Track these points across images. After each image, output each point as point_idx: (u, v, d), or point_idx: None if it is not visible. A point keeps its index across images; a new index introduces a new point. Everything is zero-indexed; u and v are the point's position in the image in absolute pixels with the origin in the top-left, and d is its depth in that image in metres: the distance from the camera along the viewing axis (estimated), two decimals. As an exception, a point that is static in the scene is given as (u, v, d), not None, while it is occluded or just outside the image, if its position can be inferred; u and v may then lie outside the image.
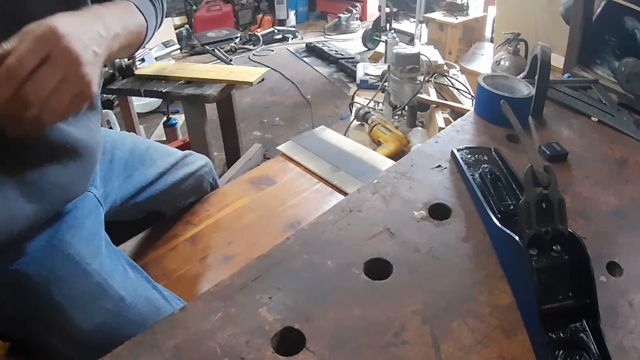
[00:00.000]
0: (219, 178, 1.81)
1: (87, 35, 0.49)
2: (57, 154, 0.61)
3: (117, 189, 0.83)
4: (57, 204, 0.65)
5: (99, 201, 0.76)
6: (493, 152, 0.66)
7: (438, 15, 3.32)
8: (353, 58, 3.69)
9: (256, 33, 4.22)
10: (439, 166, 0.68)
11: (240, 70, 1.84)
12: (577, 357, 0.42)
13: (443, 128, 1.37)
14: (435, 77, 1.97)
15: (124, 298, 0.65)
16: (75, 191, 0.68)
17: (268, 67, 2.52)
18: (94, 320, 0.63)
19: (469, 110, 1.35)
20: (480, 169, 0.63)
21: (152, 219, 0.95)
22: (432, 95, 1.79)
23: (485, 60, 2.79)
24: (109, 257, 0.69)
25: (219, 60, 3.57)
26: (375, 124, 1.68)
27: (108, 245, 0.72)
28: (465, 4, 3.30)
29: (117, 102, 2.69)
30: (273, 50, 4.10)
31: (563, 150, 0.70)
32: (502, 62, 2.07)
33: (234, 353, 0.43)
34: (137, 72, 1.78)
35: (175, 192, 0.94)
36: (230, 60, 3.60)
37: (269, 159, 2.13)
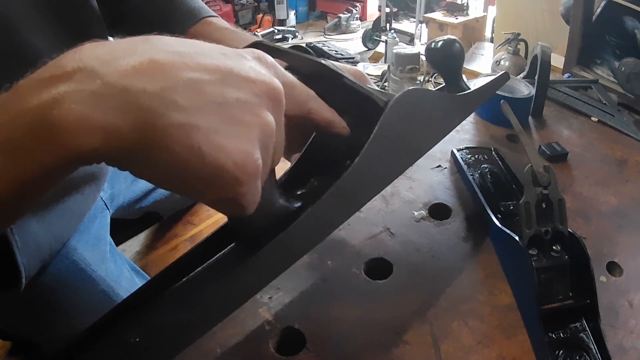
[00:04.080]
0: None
1: None
2: (77, 186, 0.61)
3: (125, 191, 0.82)
4: (75, 227, 0.65)
5: (105, 204, 0.75)
6: (493, 152, 0.67)
7: (438, 15, 3.32)
8: (353, 58, 3.69)
9: (256, 33, 4.22)
10: (439, 166, 0.68)
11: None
12: (577, 357, 0.42)
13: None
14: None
15: None
16: (88, 209, 0.67)
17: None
18: None
19: (469, 110, 1.35)
20: (480, 169, 0.63)
21: (150, 219, 0.95)
22: (432, 95, 1.80)
23: (485, 60, 2.79)
24: (113, 261, 0.69)
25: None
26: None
27: (112, 249, 0.72)
28: (465, 4, 3.31)
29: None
30: (273, 50, 4.10)
31: (563, 150, 0.70)
32: (502, 62, 2.07)
33: (234, 353, 0.43)
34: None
35: (176, 196, 0.94)
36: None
37: (269, 159, 2.13)
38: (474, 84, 0.57)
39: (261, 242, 0.34)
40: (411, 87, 0.42)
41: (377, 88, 0.45)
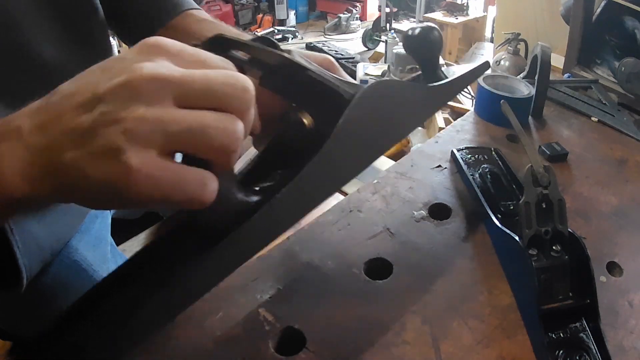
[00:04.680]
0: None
1: None
2: None
3: None
4: (76, 227, 0.65)
5: None
6: (493, 152, 0.67)
7: (438, 15, 3.32)
8: (353, 58, 3.69)
9: (256, 33, 4.22)
10: (439, 166, 0.68)
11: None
12: (577, 357, 0.42)
13: (443, 128, 1.37)
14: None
15: None
16: (89, 209, 0.67)
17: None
18: None
19: (469, 110, 1.35)
20: (480, 169, 0.63)
21: (149, 218, 0.95)
22: (432, 95, 1.80)
23: (485, 60, 2.79)
24: (114, 261, 0.69)
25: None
26: (375, 124, 1.68)
27: (113, 249, 0.71)
28: (465, 4, 3.31)
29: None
30: (273, 50, 4.10)
31: (563, 150, 0.70)
32: (502, 62, 2.07)
33: (234, 353, 0.43)
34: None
35: None
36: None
37: (269, 159, 2.13)
38: (454, 72, 0.56)
39: (217, 237, 0.33)
40: (382, 79, 0.41)
41: (348, 78, 0.44)
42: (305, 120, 0.38)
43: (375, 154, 0.47)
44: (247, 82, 0.29)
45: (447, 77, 0.54)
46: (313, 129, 0.38)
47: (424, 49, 0.54)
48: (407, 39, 0.54)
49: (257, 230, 0.36)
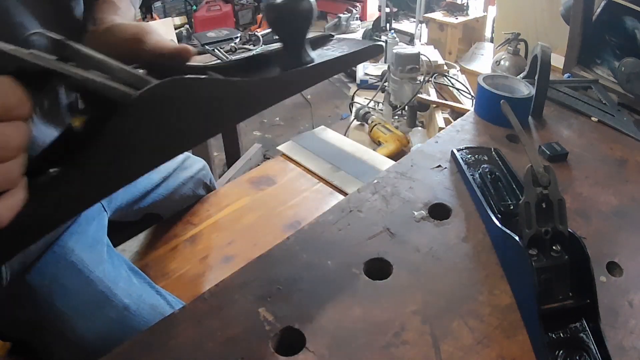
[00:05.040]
0: (219, 178, 1.81)
1: None
2: None
3: (122, 193, 0.82)
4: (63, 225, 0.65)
5: (102, 206, 0.76)
6: (493, 152, 0.67)
7: (438, 15, 3.32)
8: (353, 58, 3.68)
9: (256, 33, 4.21)
10: (439, 166, 0.68)
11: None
12: (577, 357, 0.42)
13: (443, 128, 1.37)
14: (435, 77, 1.97)
15: (128, 306, 0.65)
16: None
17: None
18: (97, 330, 0.62)
19: (469, 110, 1.35)
20: (480, 169, 0.63)
21: (149, 220, 0.95)
22: (432, 95, 1.80)
23: (485, 60, 2.78)
24: (111, 262, 0.69)
25: (219, 60, 3.57)
26: (375, 124, 1.68)
27: (110, 250, 0.71)
28: (465, 4, 3.30)
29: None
30: (273, 50, 4.10)
31: (563, 150, 0.70)
32: (502, 62, 2.07)
33: (234, 353, 0.43)
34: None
35: (176, 196, 0.94)
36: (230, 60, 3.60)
37: (269, 159, 2.13)
38: (339, 51, 0.46)
39: None
40: (175, 77, 0.35)
41: (165, 44, 0.40)
42: (73, 123, 0.36)
43: (173, 151, 0.41)
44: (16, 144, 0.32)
45: (311, 60, 0.45)
46: (84, 132, 0.36)
47: (286, 23, 0.44)
48: (268, 9, 0.43)
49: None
